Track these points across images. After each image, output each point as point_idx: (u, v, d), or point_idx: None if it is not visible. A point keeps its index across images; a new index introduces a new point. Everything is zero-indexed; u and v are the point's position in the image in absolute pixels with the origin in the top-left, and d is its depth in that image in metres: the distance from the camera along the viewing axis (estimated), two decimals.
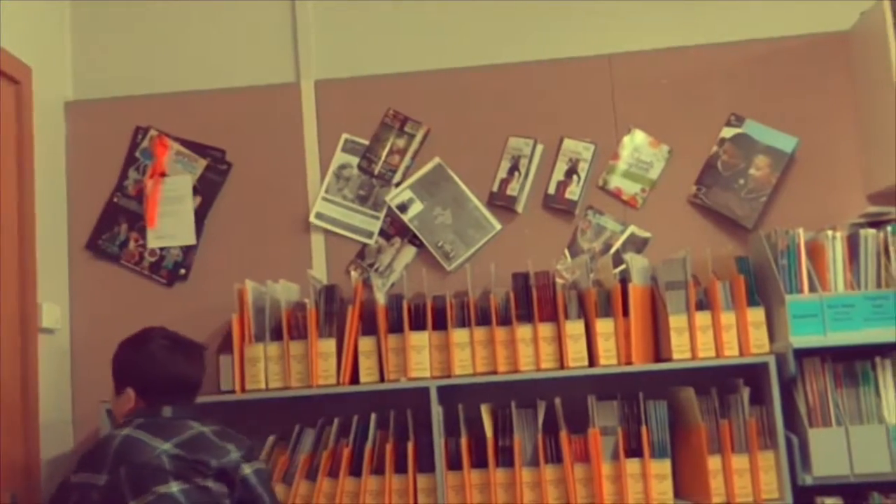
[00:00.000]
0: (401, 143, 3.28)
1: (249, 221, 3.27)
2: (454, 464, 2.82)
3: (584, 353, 2.83)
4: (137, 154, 3.33)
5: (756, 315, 2.79)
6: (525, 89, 3.27)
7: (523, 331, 2.85)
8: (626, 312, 2.83)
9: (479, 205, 3.22)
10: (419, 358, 2.88)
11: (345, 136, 3.29)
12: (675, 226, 3.15)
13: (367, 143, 3.28)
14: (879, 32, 2.90)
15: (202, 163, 3.31)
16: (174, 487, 2.25)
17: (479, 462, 2.83)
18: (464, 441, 2.82)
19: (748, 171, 3.15)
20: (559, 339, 2.85)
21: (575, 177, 3.20)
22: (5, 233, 2.87)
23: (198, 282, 3.25)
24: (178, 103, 3.34)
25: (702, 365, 2.79)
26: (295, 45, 3.37)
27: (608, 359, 2.82)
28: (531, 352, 2.85)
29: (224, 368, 3.01)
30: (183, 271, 3.25)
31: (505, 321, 2.88)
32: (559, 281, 2.92)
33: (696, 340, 2.79)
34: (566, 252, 3.18)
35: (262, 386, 2.91)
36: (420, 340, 2.89)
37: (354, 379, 2.91)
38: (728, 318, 2.80)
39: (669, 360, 2.81)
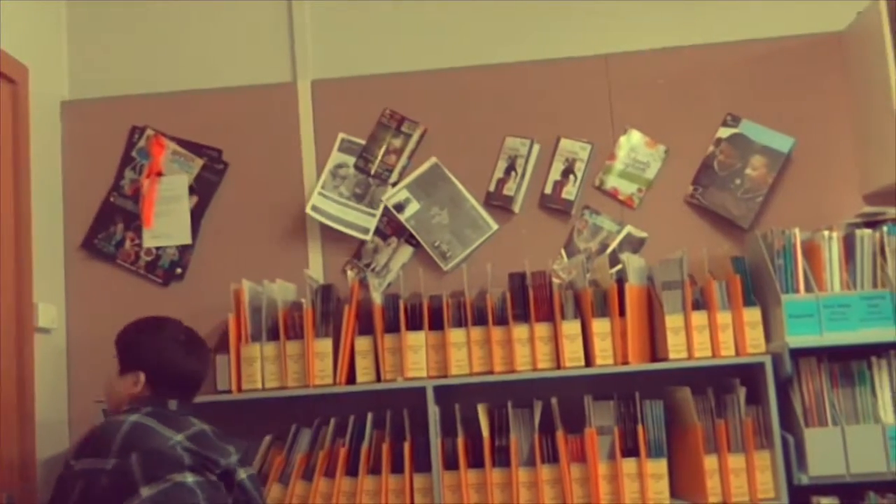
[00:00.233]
0: (397, 142, 3.28)
1: (246, 221, 3.27)
2: (451, 463, 2.82)
3: (581, 353, 2.83)
4: (134, 153, 3.33)
5: (752, 315, 2.80)
6: (522, 89, 3.27)
7: (520, 331, 2.85)
8: (622, 312, 2.83)
9: (475, 205, 3.22)
10: (416, 358, 2.88)
11: (341, 135, 3.29)
12: (672, 226, 3.16)
13: (363, 142, 3.28)
14: (876, 32, 2.90)
15: (199, 162, 3.30)
16: (189, 478, 2.23)
17: (476, 462, 2.83)
18: (460, 441, 2.82)
19: (744, 171, 3.15)
20: (556, 339, 2.85)
21: (571, 177, 3.20)
22: (2, 232, 2.86)
23: (194, 281, 3.24)
24: (175, 103, 3.34)
25: (698, 365, 2.79)
26: (291, 44, 3.37)
27: (604, 358, 2.82)
28: (528, 352, 2.85)
29: (220, 368, 3.02)
30: (179, 271, 3.25)
31: (501, 321, 2.88)
32: (556, 281, 2.92)
33: (693, 340, 2.79)
34: (563, 252, 3.18)
35: (259, 386, 2.91)
36: (416, 340, 2.89)
37: (351, 379, 2.91)
38: (724, 317, 2.80)
39: (666, 359, 2.82)
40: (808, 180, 3.15)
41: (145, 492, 2.16)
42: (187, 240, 3.26)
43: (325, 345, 2.91)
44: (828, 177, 3.15)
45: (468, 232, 3.20)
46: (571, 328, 2.84)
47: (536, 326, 2.85)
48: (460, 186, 3.23)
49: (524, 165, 3.21)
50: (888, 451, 2.66)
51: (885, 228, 2.80)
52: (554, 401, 2.86)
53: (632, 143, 3.22)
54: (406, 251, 3.22)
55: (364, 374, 2.90)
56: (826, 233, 2.81)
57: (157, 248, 3.27)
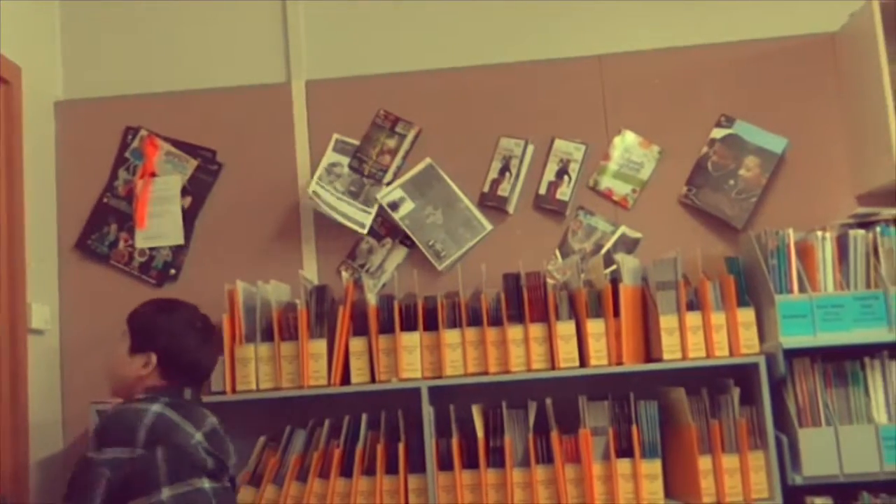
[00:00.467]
0: (392, 143, 3.28)
1: (240, 221, 3.27)
2: (445, 464, 2.82)
3: (575, 354, 2.84)
4: (127, 154, 3.32)
5: (746, 315, 2.80)
6: (516, 90, 3.27)
7: (514, 331, 2.86)
8: (616, 313, 2.83)
9: (470, 205, 3.22)
10: (410, 358, 2.87)
11: (336, 136, 3.28)
12: (666, 226, 3.16)
13: (358, 143, 3.28)
14: (869, 33, 2.91)
15: (193, 163, 3.30)
16: (206, 484, 2.22)
17: (471, 462, 2.83)
18: (455, 441, 2.82)
19: (738, 172, 3.16)
20: (550, 340, 2.85)
21: (566, 177, 3.20)
22: None
23: (188, 282, 3.24)
24: (169, 103, 3.34)
25: (692, 365, 2.80)
26: (286, 45, 3.36)
27: (599, 359, 2.82)
28: (522, 352, 2.85)
29: (215, 369, 3.00)
30: (173, 272, 3.25)
31: (496, 322, 2.88)
32: (550, 281, 2.92)
33: (687, 341, 2.80)
34: (557, 252, 3.18)
35: (253, 387, 2.90)
36: (411, 341, 2.88)
37: (345, 379, 2.91)
38: (718, 318, 2.81)
39: (660, 360, 2.82)
40: (801, 181, 3.16)
41: (166, 492, 2.14)
42: (180, 240, 3.25)
43: (320, 346, 2.91)
44: (821, 177, 3.16)
45: (462, 231, 3.20)
46: (566, 329, 2.84)
47: (531, 327, 2.85)
48: (455, 187, 3.23)
49: (518, 166, 3.21)
50: (881, 451, 2.67)
51: (878, 229, 2.81)
52: (548, 401, 2.86)
53: (626, 144, 3.22)
54: (400, 252, 3.22)
55: (358, 374, 2.90)
56: (819, 233, 2.82)
57: (151, 249, 3.26)
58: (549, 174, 3.22)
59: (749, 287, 2.85)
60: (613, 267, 2.98)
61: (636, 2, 3.30)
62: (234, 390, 2.90)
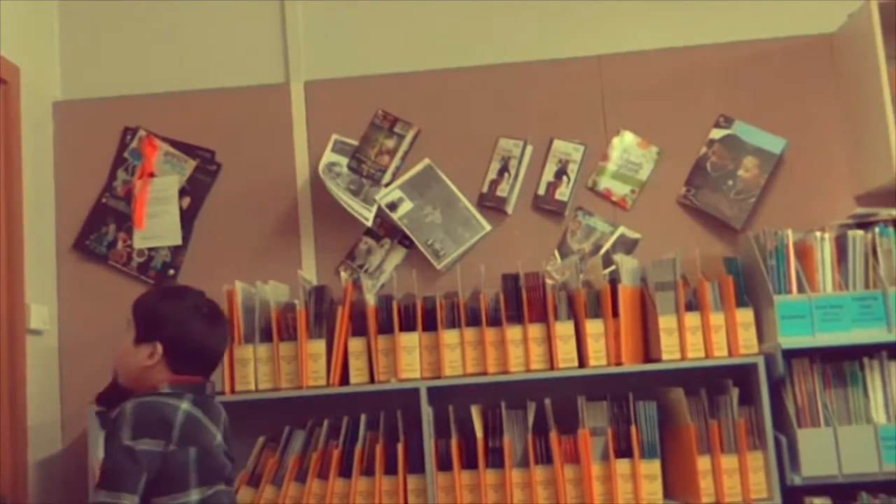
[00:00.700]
0: (390, 143, 3.28)
1: (239, 222, 3.26)
2: (444, 465, 2.82)
3: (574, 354, 2.84)
4: (126, 155, 3.32)
5: (745, 316, 2.80)
6: (515, 90, 3.27)
7: (513, 332, 2.86)
8: (615, 313, 2.83)
9: (468, 206, 3.22)
10: (409, 359, 2.87)
11: (334, 136, 3.28)
12: (665, 227, 3.16)
13: (356, 143, 3.28)
14: (867, 34, 2.91)
15: (191, 163, 3.30)
16: (222, 486, 2.21)
17: (470, 463, 2.83)
18: (454, 442, 2.82)
19: (737, 173, 3.16)
20: (549, 340, 2.85)
21: (565, 178, 3.21)
22: None
23: (186, 282, 3.18)
24: (168, 104, 3.34)
25: (691, 365, 2.80)
26: (284, 45, 3.36)
27: (598, 359, 2.82)
28: (521, 353, 2.85)
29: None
30: (171, 272, 3.24)
31: (495, 322, 2.88)
32: (549, 282, 2.93)
33: (686, 341, 2.80)
34: (556, 253, 3.18)
35: (252, 387, 2.90)
36: (410, 341, 2.88)
37: (344, 380, 2.91)
38: (717, 318, 2.81)
39: (659, 360, 2.82)
40: (800, 181, 3.16)
41: (195, 495, 2.13)
42: (177, 241, 3.25)
43: (319, 346, 2.90)
44: (820, 178, 3.17)
45: (461, 231, 3.20)
46: (565, 329, 2.85)
47: (530, 327, 2.85)
48: (453, 187, 3.23)
49: (517, 166, 3.21)
50: (880, 451, 2.67)
51: (876, 229, 2.81)
52: (547, 402, 2.86)
53: (625, 145, 3.22)
54: (399, 252, 3.22)
55: (357, 375, 2.90)
56: (818, 234, 2.82)
57: (150, 250, 3.26)
58: (548, 174, 3.22)
59: (748, 287, 2.86)
60: (612, 267, 2.98)
61: (635, 2, 3.30)
62: (232, 391, 2.90)
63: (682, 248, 2.91)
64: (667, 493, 2.80)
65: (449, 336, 2.88)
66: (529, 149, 3.23)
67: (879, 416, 2.74)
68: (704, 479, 2.74)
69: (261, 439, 3.01)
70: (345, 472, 2.87)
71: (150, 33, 3.41)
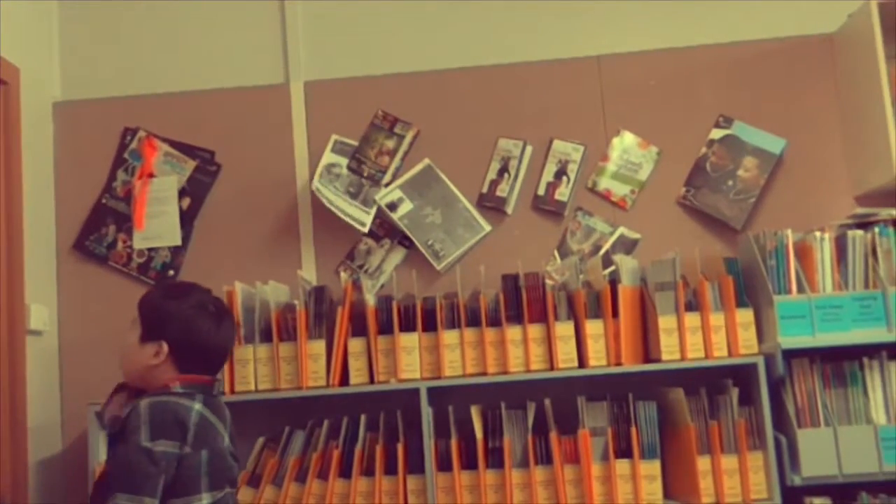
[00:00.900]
0: (390, 144, 3.28)
1: (239, 222, 3.27)
2: (444, 465, 2.82)
3: (574, 355, 2.84)
4: (126, 155, 3.32)
5: (745, 316, 2.80)
6: (514, 91, 3.27)
7: (513, 332, 2.86)
8: (615, 313, 2.83)
9: (468, 206, 3.22)
10: (409, 359, 2.87)
11: (334, 137, 3.28)
12: (665, 227, 3.16)
13: (356, 144, 3.28)
14: (866, 34, 2.91)
15: (191, 164, 3.30)
16: (227, 488, 2.20)
17: (469, 463, 2.83)
18: (454, 442, 2.82)
19: (737, 173, 3.16)
20: (549, 341, 2.85)
21: (564, 178, 3.21)
22: None
23: None
24: (167, 104, 3.34)
25: (691, 366, 2.80)
26: (284, 46, 3.36)
27: (598, 360, 2.82)
28: (521, 353, 2.85)
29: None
30: (171, 272, 3.24)
31: (495, 322, 2.88)
32: (549, 282, 2.93)
33: (686, 341, 2.80)
34: (556, 253, 3.18)
35: (252, 388, 2.90)
36: (410, 342, 2.88)
37: (344, 380, 2.91)
38: (717, 318, 2.81)
39: (659, 360, 2.82)
40: (799, 182, 3.17)
41: (206, 498, 2.11)
42: (177, 241, 3.25)
43: (319, 346, 2.90)
44: (819, 178, 3.17)
45: (461, 232, 3.20)
46: (565, 329, 2.84)
47: (530, 328, 2.85)
48: (453, 188, 3.23)
49: (517, 167, 3.21)
50: (880, 451, 2.67)
51: (876, 229, 2.81)
52: (547, 402, 2.86)
53: (624, 145, 3.22)
54: (399, 253, 3.22)
55: (357, 375, 2.90)
56: (818, 234, 2.82)
57: (150, 250, 3.26)
58: (548, 175, 3.22)
59: (748, 287, 2.85)
60: (612, 268, 2.98)
61: (635, 2, 3.30)
62: (232, 391, 2.90)
63: (682, 248, 2.91)
64: (667, 494, 2.80)
65: (449, 336, 2.88)
66: (529, 149, 3.23)
67: (879, 416, 2.74)
68: (704, 480, 2.74)
69: (261, 440, 3.01)
70: (345, 472, 2.87)
71: (150, 33, 3.41)
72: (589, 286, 2.91)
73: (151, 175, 3.29)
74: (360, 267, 3.21)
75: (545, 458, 2.80)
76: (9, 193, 2.95)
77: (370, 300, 2.94)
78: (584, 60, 3.27)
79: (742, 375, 2.82)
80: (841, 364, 2.78)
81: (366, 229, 3.18)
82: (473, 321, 2.89)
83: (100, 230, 3.28)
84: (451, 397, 2.93)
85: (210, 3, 3.40)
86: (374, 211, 3.21)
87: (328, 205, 3.13)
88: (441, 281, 3.17)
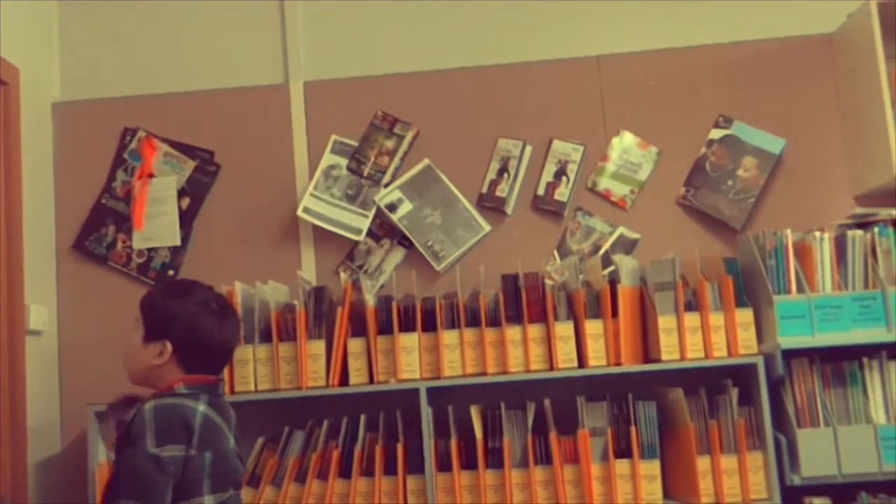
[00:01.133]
0: (390, 144, 3.28)
1: (238, 223, 3.27)
2: (444, 465, 2.82)
3: (574, 355, 2.84)
4: (125, 155, 3.32)
5: (744, 316, 2.80)
6: (514, 91, 3.27)
7: (513, 332, 2.86)
8: (615, 313, 2.83)
9: (468, 206, 3.22)
10: (409, 359, 2.87)
11: (334, 137, 3.28)
12: (664, 227, 3.16)
13: (356, 144, 3.28)
14: (866, 34, 2.91)
15: (191, 164, 3.30)
16: (231, 490, 2.18)
17: (469, 463, 2.83)
18: (453, 442, 2.82)
19: (736, 173, 3.16)
20: (548, 341, 2.85)
21: (564, 178, 3.21)
22: None
23: None
24: (167, 104, 3.34)
25: (691, 366, 2.80)
26: (284, 46, 3.36)
27: (597, 360, 2.82)
28: (520, 353, 2.85)
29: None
30: (171, 272, 3.24)
31: (494, 322, 2.88)
32: (548, 282, 2.93)
33: (685, 341, 2.80)
34: (555, 253, 3.18)
35: (251, 388, 2.90)
36: (409, 342, 2.88)
37: (344, 380, 2.91)
38: (717, 318, 2.81)
39: (658, 360, 2.82)
40: (799, 181, 3.17)
41: (208, 500, 2.09)
42: (176, 241, 3.25)
43: (318, 346, 2.90)
44: (819, 178, 3.17)
45: (461, 232, 3.20)
46: (564, 329, 2.84)
47: (529, 328, 2.85)
48: (453, 188, 3.23)
49: (517, 167, 3.21)
50: (880, 451, 2.67)
51: (876, 229, 2.81)
52: (547, 402, 2.86)
53: (624, 145, 3.22)
54: (398, 253, 3.22)
55: (357, 375, 2.90)
56: (817, 234, 2.82)
57: (149, 250, 3.26)
58: (548, 175, 3.22)
59: (747, 287, 2.85)
60: (612, 268, 2.98)
61: (635, 2, 3.30)
62: (232, 391, 2.89)
63: (682, 248, 2.91)
64: (666, 494, 2.80)
65: (448, 336, 2.88)
66: (529, 149, 3.23)
67: (879, 416, 2.74)
68: (704, 480, 2.74)
69: (260, 440, 3.02)
70: (344, 472, 2.87)
71: (149, 33, 3.41)
72: (588, 286, 2.91)
73: (151, 175, 3.29)
74: (360, 267, 3.21)
75: (545, 459, 2.80)
76: (8, 193, 2.95)
77: (370, 300, 2.94)
78: (583, 60, 3.27)
79: (742, 375, 2.82)
80: (840, 364, 2.78)
81: (361, 238, 3.19)
82: (473, 321, 2.89)
83: (99, 230, 3.28)
84: (450, 397, 2.93)
85: (210, 3, 3.40)
86: (372, 213, 3.21)
87: (319, 223, 3.14)
88: (441, 281, 3.17)
